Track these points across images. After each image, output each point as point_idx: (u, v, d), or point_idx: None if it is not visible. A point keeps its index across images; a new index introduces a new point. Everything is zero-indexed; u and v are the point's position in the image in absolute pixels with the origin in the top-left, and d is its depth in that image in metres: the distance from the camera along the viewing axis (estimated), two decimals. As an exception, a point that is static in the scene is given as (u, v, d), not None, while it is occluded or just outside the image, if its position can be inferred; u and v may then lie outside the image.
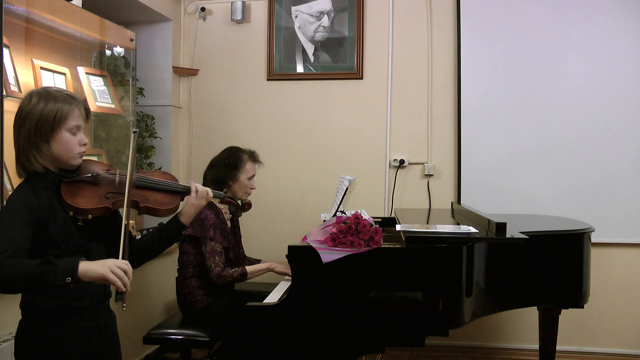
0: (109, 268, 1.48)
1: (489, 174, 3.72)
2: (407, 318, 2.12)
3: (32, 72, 2.60)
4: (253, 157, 3.02)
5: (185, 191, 1.86)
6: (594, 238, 2.78)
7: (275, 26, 3.96)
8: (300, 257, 2.15)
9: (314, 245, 2.14)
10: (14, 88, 2.42)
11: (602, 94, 3.61)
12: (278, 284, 2.79)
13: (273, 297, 2.44)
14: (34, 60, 2.61)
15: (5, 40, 2.32)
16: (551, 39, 3.65)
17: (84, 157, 1.73)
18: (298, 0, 3.93)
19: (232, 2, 3.97)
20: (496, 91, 3.72)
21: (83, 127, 1.68)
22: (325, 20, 3.90)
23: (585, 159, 3.62)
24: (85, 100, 2.10)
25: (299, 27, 3.94)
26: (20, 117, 1.62)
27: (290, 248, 2.16)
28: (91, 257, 1.63)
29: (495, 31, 3.72)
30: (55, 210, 1.62)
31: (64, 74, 2.80)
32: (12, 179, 2.41)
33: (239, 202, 2.31)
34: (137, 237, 1.94)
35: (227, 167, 2.92)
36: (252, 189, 2.99)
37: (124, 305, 1.52)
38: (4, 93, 2.27)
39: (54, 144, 1.62)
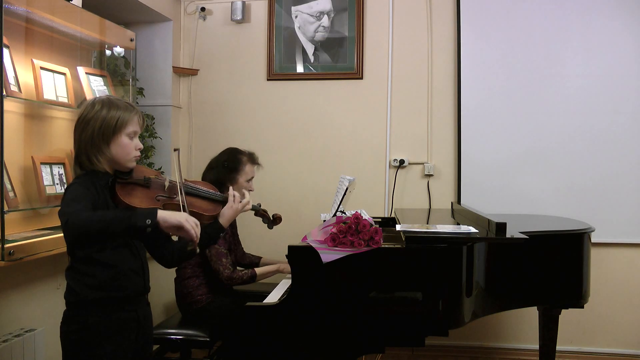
0: (185, 218, 1.67)
1: (489, 174, 3.72)
2: (407, 318, 2.12)
3: (32, 72, 2.60)
4: (252, 159, 2.98)
5: (225, 200, 2.05)
6: (594, 238, 2.78)
7: (275, 26, 3.96)
8: (300, 257, 2.15)
9: (314, 245, 2.14)
10: (14, 88, 2.42)
11: (602, 94, 3.60)
12: (278, 283, 2.79)
13: (273, 297, 2.44)
14: (34, 60, 2.61)
15: (5, 40, 2.32)
16: (551, 39, 3.65)
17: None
18: (298, 0, 3.93)
19: (232, 2, 3.97)
20: (496, 91, 3.72)
21: (139, 133, 1.86)
22: (325, 20, 3.90)
23: (585, 159, 3.62)
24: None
25: (299, 27, 3.94)
26: (84, 121, 1.78)
27: (290, 248, 2.16)
28: (134, 252, 1.83)
29: (495, 31, 3.72)
30: (108, 205, 1.77)
31: (64, 74, 2.80)
32: (12, 179, 2.42)
33: (271, 216, 2.34)
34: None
35: (226, 169, 2.89)
36: (251, 190, 2.94)
37: (197, 249, 1.75)
38: (4, 93, 2.28)
39: (114, 146, 1.78)
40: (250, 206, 2.12)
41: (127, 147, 1.80)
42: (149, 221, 1.58)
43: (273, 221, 2.33)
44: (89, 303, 1.75)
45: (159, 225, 1.62)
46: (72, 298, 1.78)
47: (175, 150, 1.97)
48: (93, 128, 1.76)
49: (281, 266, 2.96)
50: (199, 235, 1.69)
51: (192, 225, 1.68)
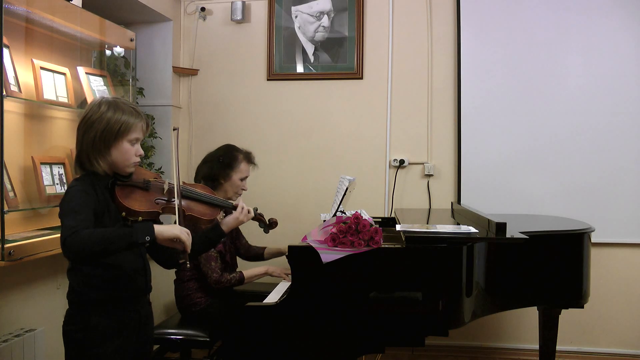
0: (180, 230, 1.69)
1: (489, 174, 3.72)
2: (407, 318, 2.12)
3: (32, 72, 2.60)
4: (249, 158, 2.94)
5: (231, 207, 2.10)
6: (594, 238, 2.78)
7: (275, 26, 3.96)
8: (300, 257, 2.15)
9: (314, 245, 2.14)
10: (14, 88, 2.41)
11: (602, 94, 3.60)
12: (278, 284, 2.79)
13: (273, 297, 2.44)
14: (34, 60, 2.61)
15: (5, 40, 2.32)
16: (551, 39, 3.65)
17: None
18: (298, 0, 3.93)
19: (232, 2, 3.97)
20: (496, 91, 3.72)
21: (141, 139, 1.84)
22: (325, 20, 3.90)
23: (585, 159, 3.62)
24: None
25: (299, 27, 3.94)
26: (88, 122, 1.77)
27: (290, 248, 2.16)
28: (137, 252, 1.86)
29: (495, 31, 3.72)
30: (109, 207, 1.77)
31: (64, 74, 2.80)
32: (12, 179, 2.42)
33: (268, 220, 2.34)
34: None
35: (221, 164, 2.85)
36: (244, 189, 2.92)
37: (188, 262, 1.75)
38: (4, 93, 2.28)
39: (115, 151, 1.77)
40: (252, 215, 2.15)
41: (127, 153, 1.79)
42: (148, 237, 1.62)
43: (269, 225, 2.32)
44: (91, 303, 1.77)
45: (157, 239, 1.65)
46: (75, 298, 1.79)
47: (174, 129, 1.98)
48: (96, 130, 1.75)
49: (270, 269, 2.93)
50: (190, 247, 1.71)
51: (187, 237, 1.70)
